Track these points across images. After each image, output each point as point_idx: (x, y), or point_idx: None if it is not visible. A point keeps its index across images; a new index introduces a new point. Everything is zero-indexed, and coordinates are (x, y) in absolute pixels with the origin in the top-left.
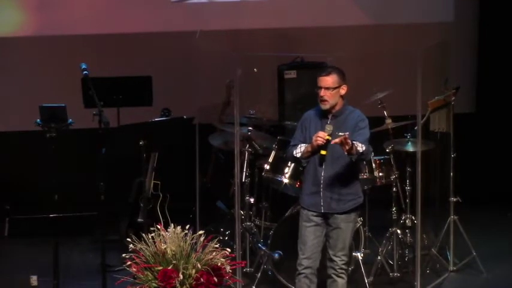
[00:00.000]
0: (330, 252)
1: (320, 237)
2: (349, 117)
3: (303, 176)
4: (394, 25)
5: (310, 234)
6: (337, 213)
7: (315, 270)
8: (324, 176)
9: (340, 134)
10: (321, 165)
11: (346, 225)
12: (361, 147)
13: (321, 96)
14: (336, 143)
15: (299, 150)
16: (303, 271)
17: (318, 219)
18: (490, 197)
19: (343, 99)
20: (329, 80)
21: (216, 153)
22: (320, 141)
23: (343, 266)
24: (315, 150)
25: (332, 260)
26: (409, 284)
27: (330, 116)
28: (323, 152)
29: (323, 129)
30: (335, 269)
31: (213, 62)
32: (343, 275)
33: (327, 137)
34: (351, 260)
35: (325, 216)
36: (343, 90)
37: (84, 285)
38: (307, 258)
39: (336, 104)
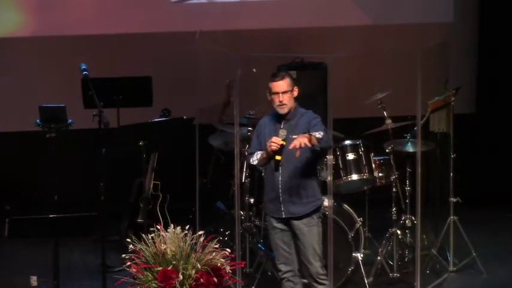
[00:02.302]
0: (303, 260)
1: (289, 242)
2: (301, 119)
3: None
4: (394, 25)
5: (279, 241)
6: (298, 218)
7: (295, 271)
8: (282, 181)
9: (294, 136)
10: (277, 170)
11: (310, 229)
12: (318, 133)
13: (280, 101)
14: (294, 147)
15: (255, 158)
16: (284, 276)
17: (281, 226)
18: (490, 197)
19: (295, 102)
20: (284, 84)
21: (216, 154)
22: (274, 146)
23: (320, 271)
24: (270, 156)
25: (307, 268)
26: (409, 285)
27: (282, 121)
28: (278, 157)
29: (277, 134)
30: (312, 277)
31: (213, 62)
32: (322, 281)
33: (281, 142)
34: (347, 260)
35: (288, 223)
36: (295, 92)
37: (84, 286)
38: (284, 263)
39: (291, 108)
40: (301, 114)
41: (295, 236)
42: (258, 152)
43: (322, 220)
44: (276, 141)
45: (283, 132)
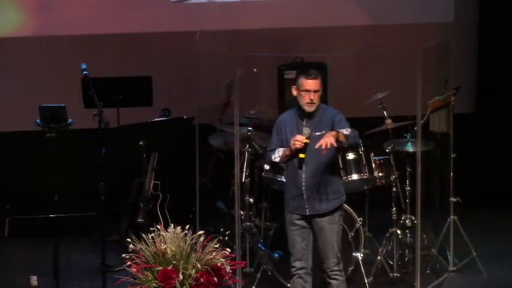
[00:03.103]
0: (320, 255)
1: (307, 239)
2: (323, 116)
3: None
4: (394, 25)
5: (297, 237)
6: (322, 215)
7: (308, 269)
8: (305, 178)
9: (318, 133)
10: (300, 168)
11: (331, 227)
12: (346, 130)
13: (311, 100)
14: (319, 146)
15: (277, 155)
16: (296, 272)
17: (301, 223)
18: (490, 197)
19: None
20: (317, 83)
21: (216, 154)
22: (298, 144)
23: (335, 268)
24: (293, 153)
25: (323, 263)
26: (409, 284)
27: (304, 118)
28: (302, 155)
29: (299, 131)
30: (326, 272)
31: (213, 62)
32: (337, 276)
33: (305, 140)
34: (347, 260)
35: (309, 220)
36: (320, 92)
37: (84, 286)
38: (298, 260)
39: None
40: (323, 110)
41: (314, 233)
42: (280, 149)
43: None
44: (300, 140)
45: (306, 130)
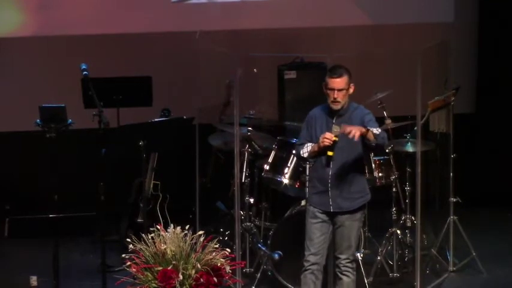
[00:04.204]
0: (336, 250)
1: (326, 233)
2: (353, 115)
3: (302, 176)
4: (394, 25)
5: (316, 230)
6: (345, 213)
7: (321, 266)
8: (332, 175)
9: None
10: (328, 165)
11: (351, 223)
12: (376, 129)
13: (335, 98)
14: (349, 133)
15: (306, 150)
16: (309, 267)
17: (323, 217)
18: (490, 197)
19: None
20: (342, 82)
21: (215, 154)
22: (327, 142)
23: (348, 265)
24: (322, 150)
25: (337, 258)
26: (409, 285)
27: (334, 116)
28: (330, 153)
29: (328, 129)
30: (339, 267)
31: (213, 62)
32: (348, 273)
33: (334, 138)
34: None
35: (331, 216)
36: (351, 89)
37: (84, 286)
38: (314, 254)
39: (344, 104)
40: (353, 109)
41: (334, 229)
42: (309, 144)
43: None
44: (329, 137)
45: (336, 129)
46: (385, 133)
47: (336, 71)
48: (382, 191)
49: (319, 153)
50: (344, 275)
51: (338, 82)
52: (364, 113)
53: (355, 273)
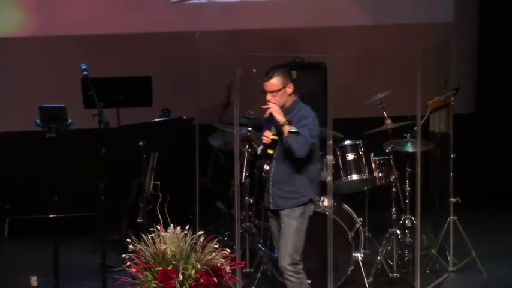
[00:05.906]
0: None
1: (277, 232)
2: (295, 115)
3: None
4: (394, 25)
5: (273, 228)
6: (283, 210)
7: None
8: (273, 173)
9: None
10: (270, 163)
11: (289, 221)
12: (293, 128)
13: (268, 100)
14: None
15: (259, 148)
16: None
17: (272, 215)
18: (490, 197)
19: (293, 97)
20: (273, 84)
21: (216, 154)
22: (265, 140)
23: (289, 267)
24: (264, 149)
25: (278, 261)
26: (409, 285)
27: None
28: (270, 151)
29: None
30: (282, 271)
31: (213, 62)
32: (288, 277)
33: (272, 137)
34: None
35: (277, 214)
36: (289, 89)
37: (84, 286)
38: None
39: (284, 104)
40: (298, 110)
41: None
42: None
43: (322, 220)
44: (267, 136)
45: (274, 127)
46: (306, 141)
47: (267, 74)
48: (382, 191)
49: (262, 151)
50: (285, 278)
51: (269, 84)
52: (304, 116)
53: (300, 276)
